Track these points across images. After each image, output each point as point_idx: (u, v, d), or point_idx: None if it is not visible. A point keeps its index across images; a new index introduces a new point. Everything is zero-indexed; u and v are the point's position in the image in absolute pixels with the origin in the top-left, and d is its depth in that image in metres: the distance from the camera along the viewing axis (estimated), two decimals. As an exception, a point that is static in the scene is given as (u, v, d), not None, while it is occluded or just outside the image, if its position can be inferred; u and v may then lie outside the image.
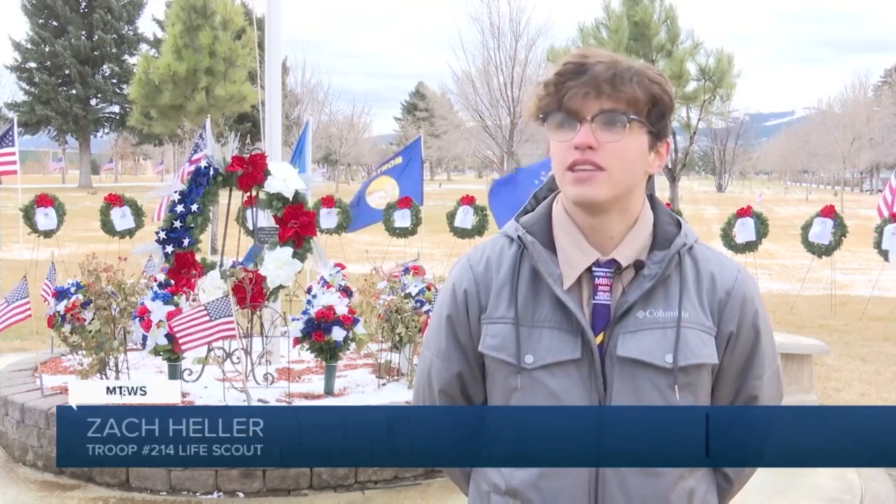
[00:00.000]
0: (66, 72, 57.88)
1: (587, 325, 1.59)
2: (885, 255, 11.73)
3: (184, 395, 5.71)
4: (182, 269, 6.09)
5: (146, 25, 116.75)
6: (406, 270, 6.88)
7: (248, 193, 6.37)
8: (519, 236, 1.68)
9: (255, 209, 6.67)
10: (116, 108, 59.74)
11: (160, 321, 5.48)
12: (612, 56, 1.56)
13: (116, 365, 5.97)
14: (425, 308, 6.02)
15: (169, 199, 9.92)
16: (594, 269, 1.62)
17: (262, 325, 6.37)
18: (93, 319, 5.78)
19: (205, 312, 5.23)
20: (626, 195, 1.60)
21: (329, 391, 5.83)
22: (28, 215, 14.19)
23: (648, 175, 1.65)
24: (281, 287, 6.23)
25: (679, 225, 1.69)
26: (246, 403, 5.32)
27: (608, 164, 1.55)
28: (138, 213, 13.79)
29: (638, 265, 1.62)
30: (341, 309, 5.76)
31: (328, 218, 14.22)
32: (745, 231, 13.07)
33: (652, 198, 1.69)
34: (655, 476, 1.58)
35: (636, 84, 1.54)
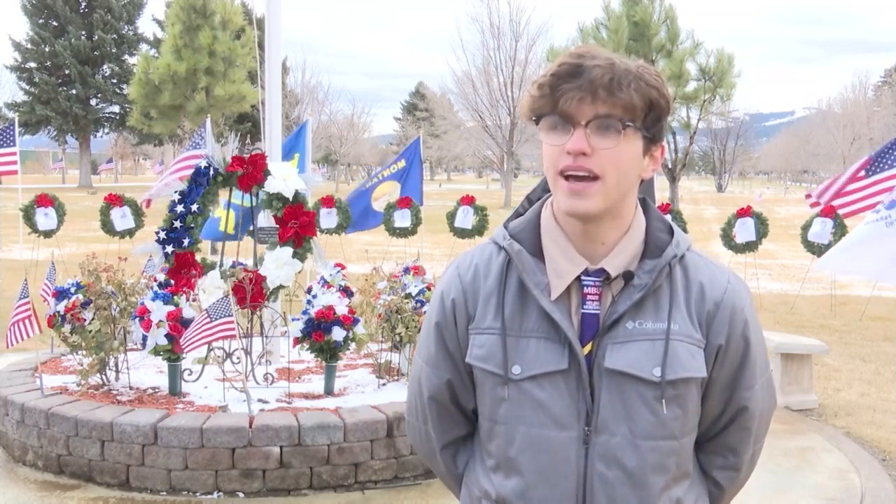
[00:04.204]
0: (66, 72, 57.88)
1: (574, 337, 1.58)
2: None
3: (184, 394, 5.72)
4: (182, 269, 6.09)
5: (146, 25, 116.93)
6: (406, 270, 6.88)
7: (248, 193, 6.36)
8: (504, 247, 1.66)
9: (255, 209, 6.66)
10: (116, 108, 59.79)
11: (160, 321, 5.48)
12: (609, 57, 1.51)
13: (116, 365, 5.98)
14: (425, 308, 6.02)
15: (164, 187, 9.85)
16: (583, 278, 1.60)
17: (262, 325, 6.37)
18: (93, 319, 5.78)
19: (206, 316, 5.24)
20: (620, 201, 1.58)
21: (329, 391, 5.83)
22: (28, 215, 14.19)
23: (641, 179, 1.62)
24: (281, 287, 6.23)
25: (671, 232, 1.65)
26: (246, 403, 5.32)
27: (602, 170, 1.51)
28: (138, 213, 13.78)
29: (627, 276, 1.60)
30: (341, 309, 5.76)
31: (328, 218, 14.22)
32: (745, 231, 13.07)
33: (645, 202, 1.66)
34: (642, 487, 1.58)
35: (633, 90, 1.49)
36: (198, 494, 5.02)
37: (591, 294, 1.59)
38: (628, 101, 1.50)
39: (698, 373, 1.59)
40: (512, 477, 1.62)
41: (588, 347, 1.58)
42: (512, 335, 1.61)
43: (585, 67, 1.49)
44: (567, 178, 1.53)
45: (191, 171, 6.30)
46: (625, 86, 1.49)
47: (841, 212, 11.49)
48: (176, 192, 6.18)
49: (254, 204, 6.41)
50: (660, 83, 1.54)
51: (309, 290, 6.48)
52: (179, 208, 6.13)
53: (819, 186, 11.79)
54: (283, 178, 6.24)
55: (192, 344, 5.25)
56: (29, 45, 58.68)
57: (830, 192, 11.27)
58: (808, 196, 12.15)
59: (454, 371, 1.71)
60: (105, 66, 60.00)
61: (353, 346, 5.91)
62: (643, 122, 1.53)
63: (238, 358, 5.86)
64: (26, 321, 5.67)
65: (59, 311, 5.90)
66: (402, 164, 13.64)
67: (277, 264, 6.13)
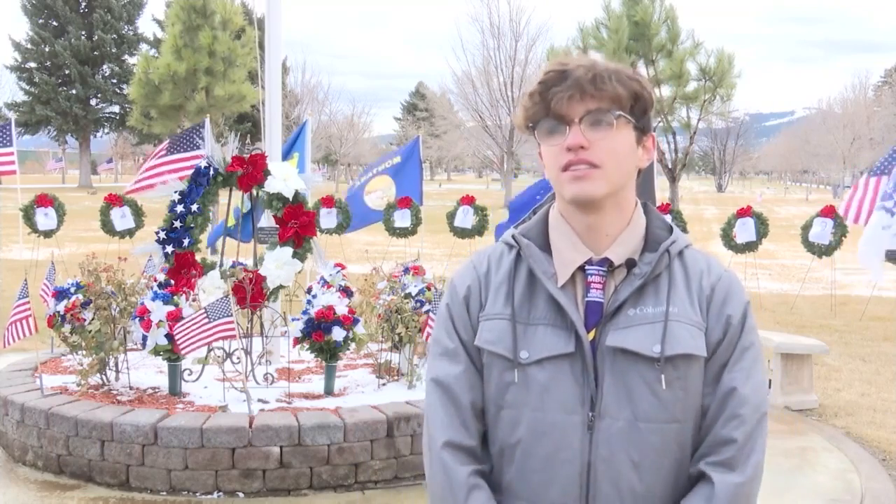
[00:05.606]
0: (66, 72, 57.88)
1: (579, 321, 1.63)
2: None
3: (184, 394, 5.71)
4: (182, 269, 6.09)
5: (146, 25, 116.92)
6: (406, 270, 6.88)
7: (248, 193, 6.36)
8: (514, 237, 1.75)
9: (254, 209, 6.66)
10: (116, 108, 59.79)
11: (160, 321, 5.48)
12: (591, 59, 1.63)
13: (116, 365, 5.98)
14: (425, 308, 6.02)
15: (148, 178, 9.78)
16: (587, 267, 1.67)
17: (262, 325, 6.37)
18: (93, 319, 5.78)
19: (205, 315, 5.23)
20: (620, 190, 1.66)
21: (329, 391, 5.83)
22: (28, 215, 14.19)
23: (639, 170, 1.70)
24: (281, 287, 6.23)
25: (671, 230, 1.74)
26: (246, 403, 5.32)
27: (601, 161, 1.61)
28: (138, 213, 13.79)
29: (630, 264, 1.67)
30: (341, 309, 5.76)
31: (328, 218, 14.22)
32: (745, 231, 13.07)
33: (646, 205, 1.75)
34: (646, 471, 1.60)
35: (616, 82, 1.60)
36: (198, 494, 5.02)
37: (594, 283, 1.66)
38: (614, 93, 1.61)
39: (698, 351, 1.63)
40: (515, 461, 1.65)
41: (592, 334, 1.64)
42: (521, 322, 1.67)
43: (570, 70, 1.61)
44: (569, 170, 1.63)
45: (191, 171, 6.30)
46: (608, 79, 1.60)
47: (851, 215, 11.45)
48: (176, 192, 6.18)
49: (253, 202, 6.41)
50: (640, 77, 1.66)
51: (309, 290, 6.48)
52: (179, 208, 6.13)
53: (851, 207, 11.60)
54: (283, 178, 6.24)
55: (190, 345, 5.25)
56: (29, 45, 58.68)
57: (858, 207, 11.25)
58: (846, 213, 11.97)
59: (466, 359, 1.71)
60: (105, 66, 60.01)
61: (353, 346, 5.91)
62: (631, 112, 1.64)
63: (238, 358, 5.86)
64: (24, 321, 5.68)
65: (58, 311, 5.90)
66: (397, 159, 13.60)
67: (277, 264, 6.13)
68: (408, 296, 6.22)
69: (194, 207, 6.15)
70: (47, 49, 57.79)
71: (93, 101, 59.52)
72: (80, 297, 5.87)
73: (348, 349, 5.97)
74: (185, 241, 6.13)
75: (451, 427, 1.69)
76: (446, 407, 1.70)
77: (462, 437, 1.69)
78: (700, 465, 1.63)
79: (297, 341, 5.80)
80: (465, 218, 15.11)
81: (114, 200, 13.74)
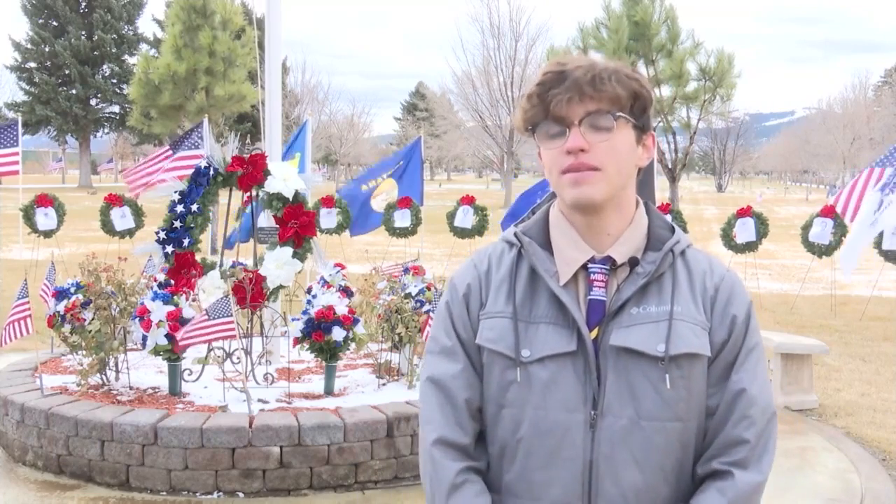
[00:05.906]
0: (66, 72, 57.89)
1: (581, 320, 1.62)
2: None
3: (184, 394, 5.71)
4: (182, 269, 6.09)
5: (146, 25, 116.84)
6: (406, 270, 6.89)
7: (248, 193, 6.36)
8: (516, 234, 1.74)
9: (255, 209, 6.66)
10: (116, 108, 59.79)
11: (160, 321, 5.48)
12: (590, 59, 1.62)
13: (116, 365, 5.98)
14: (425, 308, 6.02)
15: (145, 172, 9.80)
16: (589, 265, 1.66)
17: (262, 325, 6.37)
18: (93, 319, 5.78)
19: (205, 316, 5.23)
20: (621, 191, 1.65)
21: (329, 391, 5.83)
22: (28, 215, 14.20)
23: (639, 168, 1.69)
24: (281, 287, 6.23)
25: (673, 230, 1.73)
26: (246, 403, 5.32)
27: (602, 163, 1.60)
28: (138, 213, 13.80)
29: (633, 262, 1.66)
30: (341, 309, 5.76)
31: (328, 218, 14.22)
32: (745, 231, 13.07)
33: (647, 205, 1.74)
34: (649, 470, 1.60)
35: (615, 82, 1.59)
36: (198, 494, 5.02)
37: (597, 281, 1.65)
38: (613, 94, 1.59)
39: (702, 350, 1.62)
40: (517, 461, 1.64)
41: (594, 332, 1.63)
42: (522, 320, 1.66)
43: (568, 71, 1.59)
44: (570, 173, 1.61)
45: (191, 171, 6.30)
46: (606, 80, 1.58)
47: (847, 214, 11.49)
48: (176, 192, 6.18)
49: (253, 202, 6.41)
50: (639, 76, 1.64)
51: (309, 290, 6.48)
52: (179, 208, 6.13)
53: (841, 197, 11.64)
54: (283, 178, 6.24)
55: (189, 340, 5.24)
56: (29, 45, 58.68)
57: (850, 205, 11.27)
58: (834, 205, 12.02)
59: (464, 358, 1.71)
60: (105, 66, 60.02)
61: (353, 346, 5.91)
62: (630, 111, 1.62)
63: (238, 358, 5.86)
64: (22, 321, 5.67)
65: (59, 311, 5.90)
66: (401, 164, 13.64)
67: (277, 264, 6.13)
68: (408, 296, 6.22)
69: (194, 207, 6.15)
70: (47, 49, 57.79)
71: (93, 101, 59.53)
72: (80, 297, 5.87)
73: (348, 349, 5.97)
74: (185, 241, 6.13)
75: (446, 425, 1.69)
76: (442, 405, 1.70)
77: (455, 435, 1.68)
78: (713, 464, 1.63)
79: (297, 341, 5.80)
80: (465, 218, 15.11)
81: (114, 200, 13.75)
